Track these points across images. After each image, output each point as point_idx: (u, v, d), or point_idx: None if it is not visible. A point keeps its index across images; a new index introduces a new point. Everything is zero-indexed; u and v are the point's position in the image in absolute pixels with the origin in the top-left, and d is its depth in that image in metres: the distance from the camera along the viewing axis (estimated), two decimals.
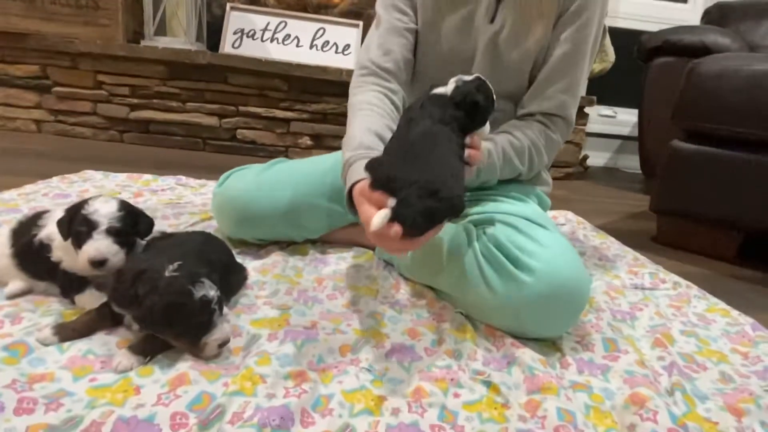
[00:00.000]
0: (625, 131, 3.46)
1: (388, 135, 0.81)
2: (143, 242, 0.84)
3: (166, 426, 0.54)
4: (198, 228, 1.14)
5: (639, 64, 2.55)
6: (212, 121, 2.33)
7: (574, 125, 1.00)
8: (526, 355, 0.74)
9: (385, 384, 0.66)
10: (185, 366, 0.64)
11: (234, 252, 1.01)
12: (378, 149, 0.78)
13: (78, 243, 0.73)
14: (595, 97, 2.58)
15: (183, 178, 1.65)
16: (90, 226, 0.73)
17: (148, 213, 1.24)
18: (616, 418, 0.64)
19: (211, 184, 1.58)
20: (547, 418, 0.61)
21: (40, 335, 0.67)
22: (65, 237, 0.74)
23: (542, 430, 0.59)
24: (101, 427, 0.53)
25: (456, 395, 0.65)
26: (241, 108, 2.33)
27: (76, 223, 0.73)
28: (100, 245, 0.72)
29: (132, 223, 0.77)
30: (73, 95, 2.28)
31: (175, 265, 0.67)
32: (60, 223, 0.75)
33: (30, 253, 0.77)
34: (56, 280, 0.78)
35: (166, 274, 0.66)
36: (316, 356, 0.70)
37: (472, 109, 0.73)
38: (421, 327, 0.81)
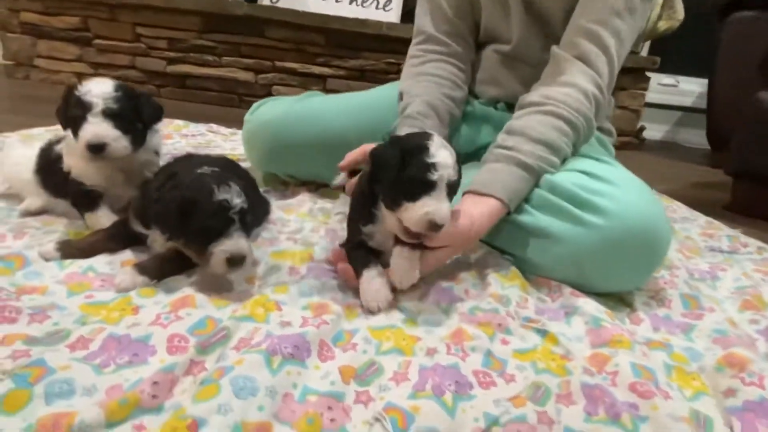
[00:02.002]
0: (687, 102, 3.16)
1: (445, 104, 0.82)
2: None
3: (162, 348, 0.46)
4: None
5: (705, 27, 2.28)
6: (248, 76, 2.27)
7: (615, 71, 0.76)
8: (590, 305, 0.62)
9: (420, 324, 0.56)
10: (192, 290, 0.56)
11: (260, 189, 0.94)
12: (426, 120, 0.78)
13: (75, 129, 0.66)
14: (658, 58, 2.34)
15: (214, 126, 1.59)
16: (84, 108, 0.64)
17: (177, 152, 1.21)
18: (706, 381, 0.51)
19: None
20: (619, 373, 0.49)
21: (42, 249, 0.61)
22: (63, 125, 0.67)
23: (613, 387, 0.48)
24: (89, 344, 0.45)
25: (504, 342, 0.55)
26: (278, 63, 2.25)
27: (71, 107, 0.65)
28: (98, 128, 0.64)
29: (132, 107, 0.67)
30: (112, 48, 2.27)
31: (209, 169, 0.59)
32: (57, 112, 0.68)
33: (50, 168, 0.72)
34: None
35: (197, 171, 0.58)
36: (340, 292, 0.61)
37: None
38: (462, 272, 0.70)
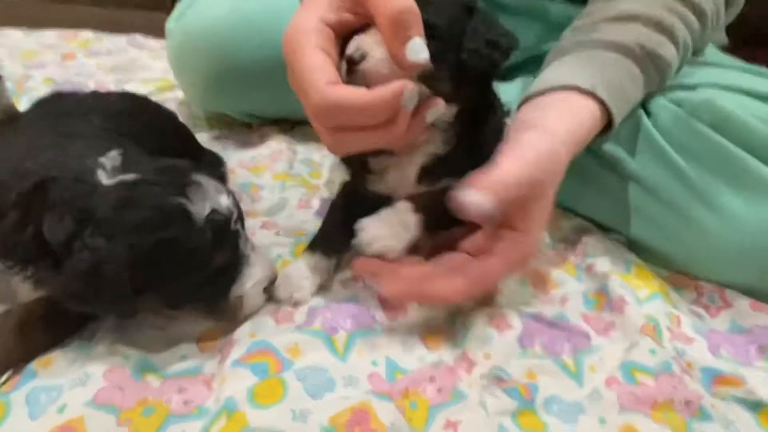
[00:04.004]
0: None
1: None
2: None
3: None
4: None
5: None
6: None
7: None
8: None
9: (545, 419, 0.29)
10: (82, 400, 0.26)
11: (205, 136, 0.62)
12: None
13: None
14: None
15: (139, 38, 1.17)
16: None
17: (81, 79, 0.85)
18: None
19: None
20: None
21: None
22: None
23: None
24: None
25: None
26: None
27: None
28: None
29: None
30: None
31: (115, 154, 0.32)
32: None
33: None
34: None
35: (107, 181, 0.30)
36: (381, 359, 0.32)
37: None
38: (553, 267, 0.43)
